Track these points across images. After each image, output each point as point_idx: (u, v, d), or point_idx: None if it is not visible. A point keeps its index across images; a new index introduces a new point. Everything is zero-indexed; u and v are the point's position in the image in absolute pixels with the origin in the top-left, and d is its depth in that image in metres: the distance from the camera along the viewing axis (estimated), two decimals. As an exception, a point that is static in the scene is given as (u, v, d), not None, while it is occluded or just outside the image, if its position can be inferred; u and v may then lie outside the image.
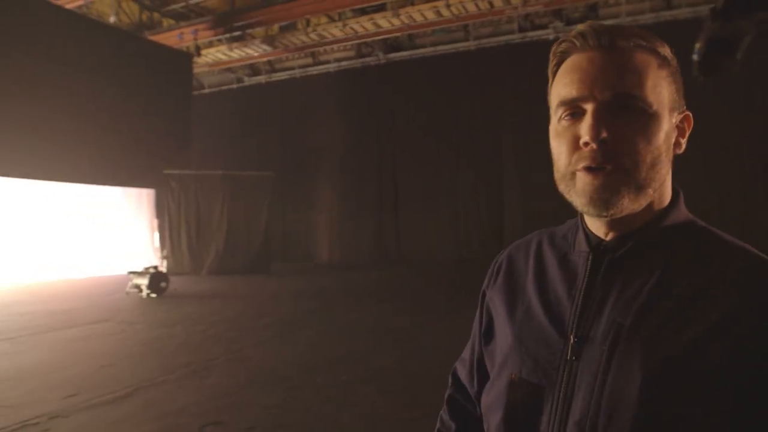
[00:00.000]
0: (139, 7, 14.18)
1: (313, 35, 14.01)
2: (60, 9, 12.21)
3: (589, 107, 0.67)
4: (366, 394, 4.15)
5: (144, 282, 9.35)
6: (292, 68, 15.99)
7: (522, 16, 12.56)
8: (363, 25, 13.20)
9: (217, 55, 15.71)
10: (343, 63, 15.20)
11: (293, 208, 15.55)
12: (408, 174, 14.46)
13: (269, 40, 14.25)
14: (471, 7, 12.09)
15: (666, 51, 0.71)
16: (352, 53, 15.14)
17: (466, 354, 0.97)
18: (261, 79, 16.50)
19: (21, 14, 10.73)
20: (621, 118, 0.66)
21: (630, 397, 0.63)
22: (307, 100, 15.46)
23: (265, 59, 15.67)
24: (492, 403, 0.79)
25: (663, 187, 0.72)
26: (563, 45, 0.72)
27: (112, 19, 13.68)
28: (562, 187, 0.72)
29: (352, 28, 13.40)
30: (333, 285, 10.84)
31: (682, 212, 0.74)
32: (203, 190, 13.41)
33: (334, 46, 14.77)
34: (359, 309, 7.90)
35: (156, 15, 14.49)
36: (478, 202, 13.70)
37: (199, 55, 15.11)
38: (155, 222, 14.27)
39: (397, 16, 12.44)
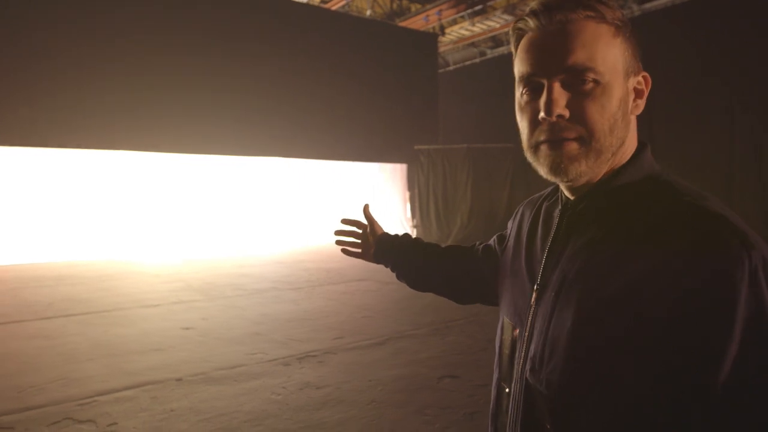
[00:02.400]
0: (390, -3, 15.45)
1: (556, -4, 13.39)
2: (327, 11, 14.19)
3: (545, 83, 0.72)
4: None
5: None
6: (535, 34, 15.54)
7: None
8: (613, -25, 12.06)
9: (460, 32, 16.22)
10: (591, 21, 14.15)
11: (535, 179, 15.25)
12: (667, 141, 12.80)
13: (510, 8, 14.09)
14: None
15: (617, 17, 0.73)
16: (600, 9, 13.99)
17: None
18: (503, 50, 16.46)
19: (299, 22, 12.83)
20: (576, 92, 0.71)
21: (563, 338, 0.71)
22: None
23: (507, 29, 15.56)
24: (497, 336, 0.94)
25: (622, 148, 0.75)
26: (520, 23, 0.76)
27: (368, 12, 15.26)
28: (528, 157, 0.78)
29: (600, -18, 12.38)
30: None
31: (643, 168, 0.76)
32: (450, 164, 14.15)
33: (580, 4, 13.85)
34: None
35: (405, 2, 15.59)
36: (761, 170, 11.40)
37: (443, 34, 15.81)
38: (407, 194, 15.67)
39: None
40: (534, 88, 0.74)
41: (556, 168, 0.73)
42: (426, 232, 14.03)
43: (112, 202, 11.23)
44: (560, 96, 0.71)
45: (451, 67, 17.94)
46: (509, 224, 1.05)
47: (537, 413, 0.76)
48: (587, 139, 0.71)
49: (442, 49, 16.61)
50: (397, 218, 15.54)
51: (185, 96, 11.15)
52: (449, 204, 14.05)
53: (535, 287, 0.81)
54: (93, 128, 10.29)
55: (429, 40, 15.55)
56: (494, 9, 14.56)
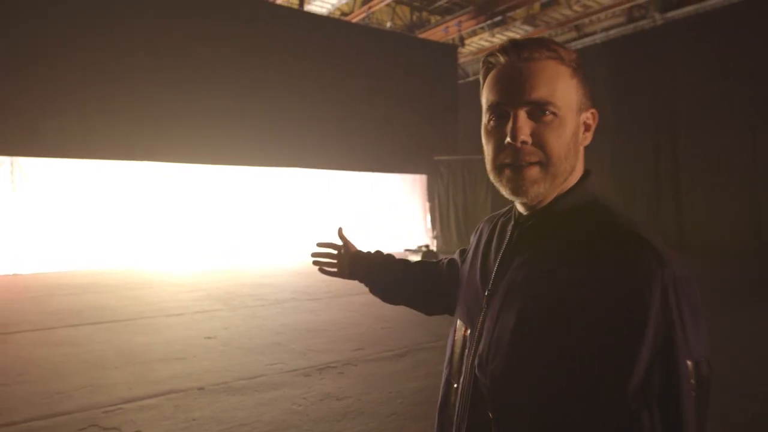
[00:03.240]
0: (410, 9, 15.56)
1: (577, 7, 13.35)
2: (347, 24, 14.35)
3: (511, 112, 0.82)
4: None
5: (417, 259, 10.43)
6: (555, 45, 15.49)
7: None
8: (635, -15, 12.01)
9: (480, 43, 16.26)
10: (612, 32, 14.05)
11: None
12: (692, 150, 12.59)
13: (530, 19, 14.11)
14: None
15: (573, 59, 0.84)
16: (621, 19, 13.90)
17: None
18: (523, 60, 16.45)
19: (321, 34, 13.00)
20: (537, 121, 0.81)
21: (506, 337, 0.81)
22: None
23: (526, 40, 15.56)
24: (449, 338, 1.03)
25: (572, 173, 0.86)
26: (491, 57, 0.86)
27: (388, 24, 15.40)
28: (492, 177, 0.87)
29: (621, -8, 12.33)
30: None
31: (585, 192, 0.87)
32: (469, 174, 14.13)
33: (601, 15, 13.78)
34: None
35: (425, 14, 15.70)
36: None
37: (463, 45, 15.86)
38: (427, 205, 15.67)
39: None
40: (500, 116, 0.84)
41: (517, 190, 0.83)
42: (446, 243, 13.99)
43: (136, 211, 11.45)
44: (524, 124, 0.81)
45: (470, 78, 17.96)
46: (471, 239, 1.14)
47: (482, 405, 0.85)
48: (545, 164, 0.82)
49: (461, 60, 16.66)
50: (418, 229, 15.53)
51: (208, 108, 11.37)
52: (469, 214, 14.01)
53: (486, 292, 0.90)
54: (119, 140, 10.54)
55: (449, 51, 15.62)
56: (514, 20, 14.59)
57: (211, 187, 12.54)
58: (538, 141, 0.81)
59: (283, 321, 6.14)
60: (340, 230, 1.50)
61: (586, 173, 0.89)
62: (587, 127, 0.88)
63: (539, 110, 0.81)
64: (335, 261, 1.44)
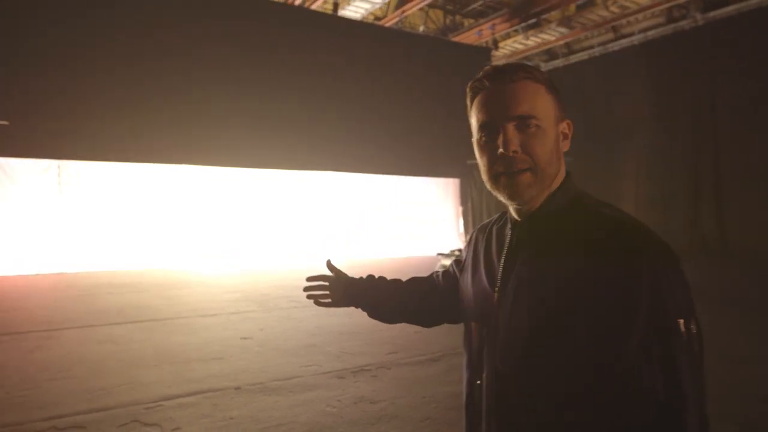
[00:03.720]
0: (443, 12, 15.54)
1: (614, 8, 13.10)
2: (381, 28, 14.41)
3: (501, 127, 0.92)
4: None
5: (450, 263, 10.39)
6: (591, 47, 15.23)
7: None
8: (675, -15, 11.71)
9: (513, 46, 16.10)
10: (650, 32, 13.72)
11: (594, 194, 14.79)
12: (734, 153, 12.16)
13: (566, 21, 13.91)
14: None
15: (547, 79, 0.96)
16: (660, 20, 13.56)
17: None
18: (558, 63, 16.21)
19: (355, 39, 13.10)
20: (524, 133, 0.92)
21: (523, 329, 0.91)
22: (609, 78, 14.46)
23: (561, 42, 15.34)
24: (463, 341, 1.12)
25: (557, 177, 0.97)
26: (477, 83, 0.98)
27: (421, 28, 15.40)
28: (489, 186, 0.97)
29: (661, -8, 12.03)
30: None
31: (570, 191, 0.98)
32: (502, 178, 13.96)
33: (639, 15, 13.47)
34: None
35: (458, 17, 15.64)
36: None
37: (496, 48, 15.74)
38: (460, 208, 15.58)
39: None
40: (490, 132, 0.94)
41: (513, 194, 0.94)
42: (478, 248, 13.87)
43: (176, 213, 11.75)
44: (514, 136, 0.92)
45: (504, 81, 17.77)
46: (464, 249, 1.23)
47: (509, 395, 0.94)
48: (534, 169, 0.92)
49: (495, 63, 16.53)
50: (450, 233, 15.45)
51: (247, 112, 11.59)
52: (502, 219, 13.84)
53: (496, 291, 0.99)
54: (160, 143, 10.84)
55: (482, 54, 15.53)
56: (549, 22, 14.40)
57: (249, 190, 12.77)
58: (526, 149, 0.92)
59: (317, 323, 6.19)
60: (329, 262, 1.53)
61: (568, 174, 1.00)
62: (565, 136, 0.99)
63: (524, 123, 0.92)
64: (328, 292, 1.48)
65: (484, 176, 0.98)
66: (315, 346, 5.19)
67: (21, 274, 9.89)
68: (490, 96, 0.95)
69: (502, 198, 0.97)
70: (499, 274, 1.00)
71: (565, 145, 1.00)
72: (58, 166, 10.58)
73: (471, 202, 14.69)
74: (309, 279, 1.51)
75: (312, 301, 1.50)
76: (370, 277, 1.45)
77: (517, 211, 1.00)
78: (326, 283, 1.48)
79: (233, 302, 7.48)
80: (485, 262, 1.07)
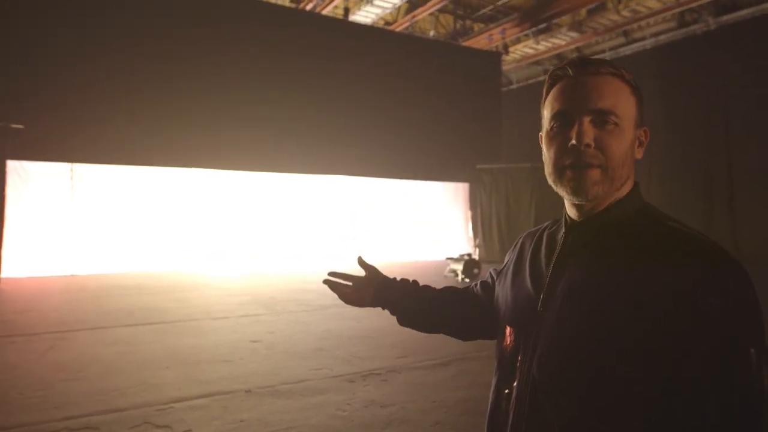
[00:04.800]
0: (453, 17, 15.55)
1: (625, 12, 13.05)
2: (391, 33, 14.47)
3: (577, 118, 0.87)
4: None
5: (459, 268, 10.38)
6: (602, 51, 15.17)
7: None
8: (687, -12, 11.65)
9: (524, 50, 16.08)
10: (662, 37, 13.64)
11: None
12: (746, 157, 12.05)
13: (576, 25, 13.87)
14: None
15: (632, 79, 0.92)
16: (672, 24, 13.47)
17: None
18: (569, 67, 16.16)
19: (364, 43, 13.16)
20: (600, 129, 0.87)
21: (568, 337, 0.85)
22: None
23: (572, 46, 15.29)
24: (496, 346, 1.05)
25: (626, 183, 0.91)
26: (558, 71, 0.93)
27: (431, 33, 15.43)
28: (551, 180, 0.93)
29: (673, -4, 11.97)
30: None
31: (638, 200, 0.93)
32: (513, 183, 13.95)
33: (650, 20, 13.40)
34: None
35: (468, 22, 15.65)
36: None
37: (507, 52, 15.72)
38: (469, 213, 15.54)
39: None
40: (564, 123, 0.90)
41: (578, 189, 0.88)
42: (489, 252, 13.84)
43: (185, 216, 11.83)
44: (589, 129, 0.87)
45: (514, 86, 17.77)
46: (508, 255, 1.17)
47: (541, 408, 0.87)
48: (605, 167, 0.87)
49: (505, 67, 16.51)
50: (459, 238, 15.43)
51: (257, 117, 11.65)
52: (512, 223, 13.81)
53: (542, 296, 0.93)
54: (171, 147, 10.92)
55: (492, 59, 15.52)
56: (559, 26, 14.36)
57: (259, 194, 12.84)
58: (600, 146, 0.86)
59: (326, 327, 6.20)
60: (360, 259, 1.40)
61: (636, 184, 0.95)
62: (641, 143, 0.94)
63: (603, 119, 0.87)
64: (351, 284, 1.36)
65: (548, 169, 0.93)
66: (324, 349, 5.20)
67: (34, 276, 9.99)
68: (569, 85, 0.90)
69: (564, 193, 0.91)
70: (547, 279, 0.93)
71: (639, 152, 0.93)
72: (71, 169, 10.69)
73: (480, 206, 14.65)
74: (331, 274, 1.39)
75: (337, 295, 1.36)
76: (405, 281, 1.35)
77: (578, 211, 0.94)
78: (349, 283, 1.36)
79: (242, 305, 7.52)
80: (531, 266, 1.01)
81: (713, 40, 12.51)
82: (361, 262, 1.39)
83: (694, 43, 12.90)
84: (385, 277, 1.35)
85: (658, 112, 13.32)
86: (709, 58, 12.53)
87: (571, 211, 0.96)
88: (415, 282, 1.36)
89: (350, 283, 1.36)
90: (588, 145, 0.86)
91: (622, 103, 0.89)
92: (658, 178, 13.56)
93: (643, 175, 13.88)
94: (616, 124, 0.87)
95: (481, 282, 1.29)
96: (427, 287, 1.34)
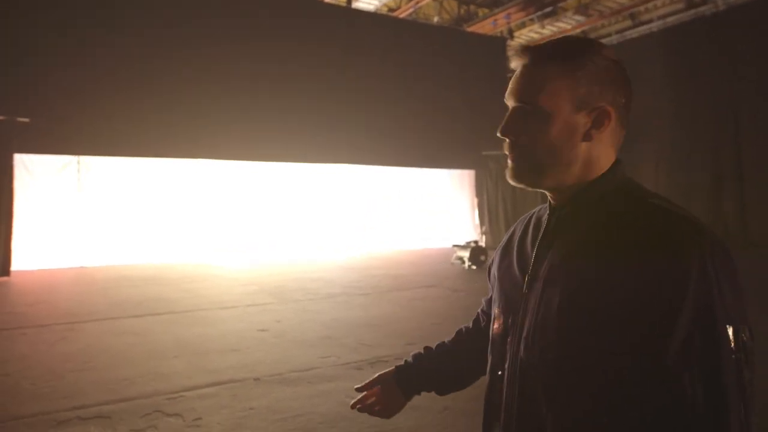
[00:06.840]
0: (457, 3, 15.40)
1: (632, -6, 12.87)
2: (395, 19, 14.34)
3: (509, 110, 0.91)
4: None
5: (466, 255, 10.37)
6: (609, 35, 14.99)
7: None
8: (695, -31, 11.46)
9: (529, 35, 15.92)
10: (670, 19, 13.45)
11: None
12: (755, 142, 11.90)
13: (582, 9, 13.70)
14: None
15: (576, 60, 0.87)
16: (680, 5, 13.30)
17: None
18: (575, 51, 16.00)
19: (368, 30, 13.06)
20: (524, 119, 0.88)
21: (552, 316, 0.85)
22: (627, 66, 14.10)
23: (578, 30, 15.11)
24: (490, 329, 1.04)
25: (589, 164, 0.89)
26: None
27: (435, 19, 15.29)
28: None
29: (680, -23, 11.79)
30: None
31: (614, 179, 0.90)
32: (518, 169, 13.86)
33: (658, 2, 13.22)
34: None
35: (472, 7, 15.50)
36: None
37: (512, 37, 15.57)
38: (475, 200, 15.50)
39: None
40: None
41: (511, 177, 0.92)
42: (495, 238, 13.82)
43: (193, 207, 11.87)
44: (509, 120, 0.90)
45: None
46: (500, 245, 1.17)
47: (531, 387, 0.88)
48: (528, 157, 0.89)
49: (510, 53, 16.37)
50: (466, 225, 15.39)
51: (262, 106, 11.63)
52: (518, 209, 13.77)
53: (527, 277, 0.93)
54: (178, 139, 10.92)
55: (497, 44, 15.37)
56: (565, 10, 14.20)
57: (265, 183, 12.86)
58: (523, 137, 0.89)
59: (334, 315, 6.22)
60: (359, 387, 1.32)
61: (617, 162, 0.92)
62: (596, 124, 0.88)
63: (522, 109, 0.88)
64: (378, 399, 1.29)
65: None
66: (332, 337, 5.22)
67: (43, 268, 10.08)
68: (514, 74, 0.93)
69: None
70: (531, 261, 0.94)
71: (589, 137, 0.87)
72: (78, 162, 10.74)
73: (486, 193, 14.60)
74: (358, 389, 1.31)
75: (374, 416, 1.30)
76: (417, 356, 1.30)
77: (553, 196, 0.95)
78: (375, 392, 1.30)
79: (250, 295, 7.55)
80: (518, 249, 1.02)
81: (722, 22, 12.31)
82: (366, 386, 1.32)
83: (703, 25, 12.70)
84: (398, 370, 1.31)
85: (665, 95, 13.15)
86: (717, 40, 12.34)
87: (549, 196, 0.97)
88: (427, 349, 1.32)
89: (376, 393, 1.30)
90: (506, 136, 0.90)
91: (549, 90, 0.86)
92: (667, 162, 13.43)
93: (650, 160, 13.76)
94: (539, 112, 0.86)
95: (485, 300, 1.26)
96: (440, 346, 1.31)
